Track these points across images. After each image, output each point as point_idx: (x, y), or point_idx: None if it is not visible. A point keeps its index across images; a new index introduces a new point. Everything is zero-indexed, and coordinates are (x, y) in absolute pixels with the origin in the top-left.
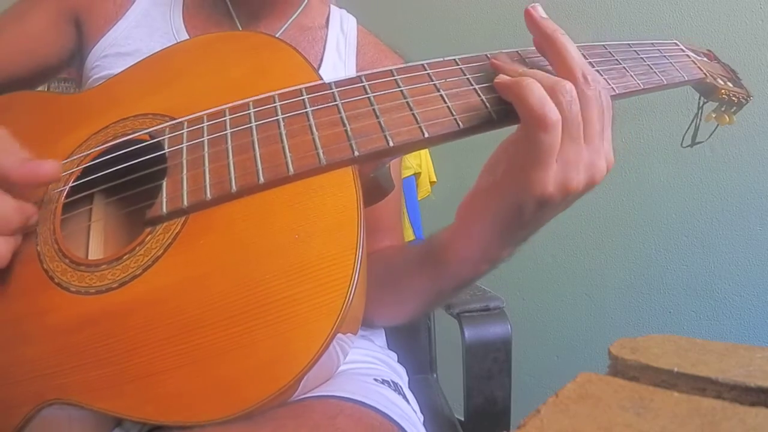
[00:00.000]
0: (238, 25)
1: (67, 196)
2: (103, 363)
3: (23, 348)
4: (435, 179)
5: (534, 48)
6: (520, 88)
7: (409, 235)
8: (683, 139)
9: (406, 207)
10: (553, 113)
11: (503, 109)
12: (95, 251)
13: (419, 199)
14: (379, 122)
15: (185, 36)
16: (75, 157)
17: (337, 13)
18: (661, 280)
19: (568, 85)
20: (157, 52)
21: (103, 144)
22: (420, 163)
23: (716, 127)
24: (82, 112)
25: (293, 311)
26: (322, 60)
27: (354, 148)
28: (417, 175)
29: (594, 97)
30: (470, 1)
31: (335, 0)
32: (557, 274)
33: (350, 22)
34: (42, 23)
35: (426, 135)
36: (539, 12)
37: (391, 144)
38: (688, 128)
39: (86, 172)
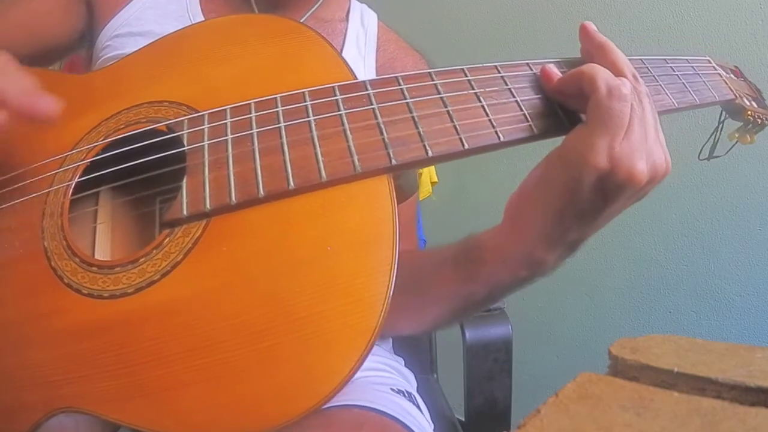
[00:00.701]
0: (257, 11)
1: (75, 191)
2: (117, 373)
3: (30, 351)
4: (436, 179)
5: (575, 57)
6: (591, 68)
7: None
8: (701, 152)
9: None
10: (611, 79)
11: (543, 123)
12: (102, 249)
13: (420, 199)
14: (419, 132)
15: (201, 20)
16: (83, 147)
17: (357, 7)
18: (661, 280)
19: (625, 79)
20: (173, 32)
21: (113, 133)
22: None
23: (735, 143)
24: (90, 95)
25: (323, 329)
26: (341, 53)
27: (391, 156)
28: (418, 175)
29: (646, 94)
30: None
31: None
32: (557, 274)
33: (371, 18)
34: (50, 2)
35: (466, 146)
36: (592, 26)
37: (430, 154)
38: (707, 142)
39: (95, 164)
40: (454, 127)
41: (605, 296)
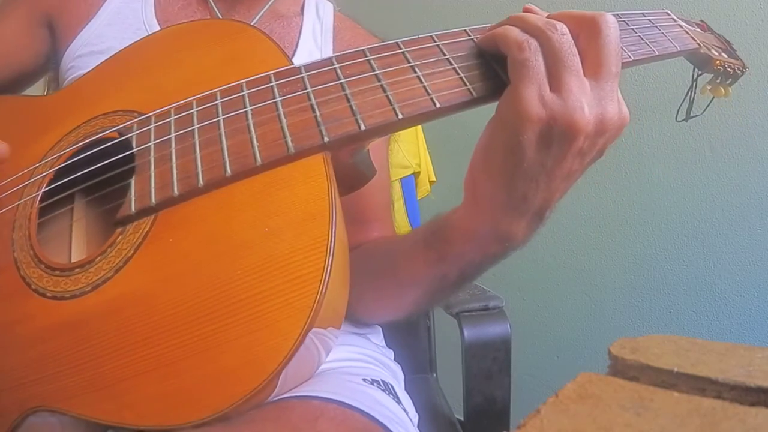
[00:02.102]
0: (216, 11)
1: (43, 200)
2: (80, 369)
3: (5, 357)
4: (434, 178)
5: None
6: (502, 29)
7: None
8: (678, 113)
9: (405, 206)
10: (520, 34)
11: (482, 86)
12: (78, 254)
13: (419, 198)
14: (350, 106)
15: (158, 30)
16: (47, 160)
17: (312, 0)
18: (661, 280)
19: (560, 24)
20: (127, 46)
21: (73, 145)
22: (419, 162)
23: (712, 100)
24: (53, 113)
25: (263, 309)
26: (297, 47)
27: (324, 133)
28: (416, 174)
29: (606, 34)
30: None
31: None
32: (557, 274)
33: (326, 8)
34: (15, 28)
35: (400, 116)
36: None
37: (362, 127)
38: (683, 101)
39: (60, 174)
40: (387, 98)
41: (605, 296)
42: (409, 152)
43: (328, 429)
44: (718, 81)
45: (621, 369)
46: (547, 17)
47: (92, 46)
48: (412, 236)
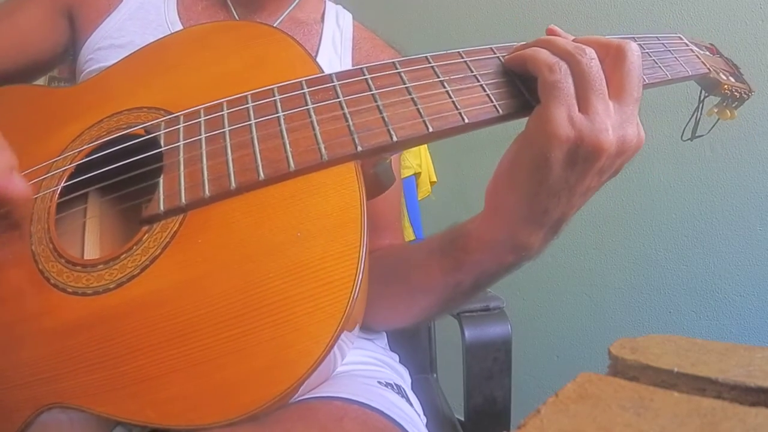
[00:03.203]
0: (235, 15)
1: (62, 194)
2: (102, 366)
3: (20, 351)
4: (435, 179)
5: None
6: (532, 50)
7: (409, 234)
8: (683, 133)
9: (406, 207)
10: (551, 57)
11: (508, 103)
12: (91, 250)
13: (419, 199)
14: (383, 117)
15: (180, 28)
16: (68, 154)
17: (332, 8)
18: (661, 280)
19: (589, 49)
20: (151, 43)
21: (96, 140)
22: (420, 163)
23: (717, 121)
24: (74, 106)
25: (295, 312)
26: (317, 54)
27: (357, 143)
28: (417, 175)
29: (630, 61)
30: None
31: None
32: (557, 274)
33: (346, 18)
34: (35, 17)
35: (430, 129)
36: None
37: (394, 139)
38: (689, 122)
39: (80, 169)
40: (418, 111)
41: (605, 296)
42: (410, 153)
43: (353, 428)
44: (725, 104)
45: (621, 369)
46: (574, 41)
47: (112, 39)
48: (428, 244)
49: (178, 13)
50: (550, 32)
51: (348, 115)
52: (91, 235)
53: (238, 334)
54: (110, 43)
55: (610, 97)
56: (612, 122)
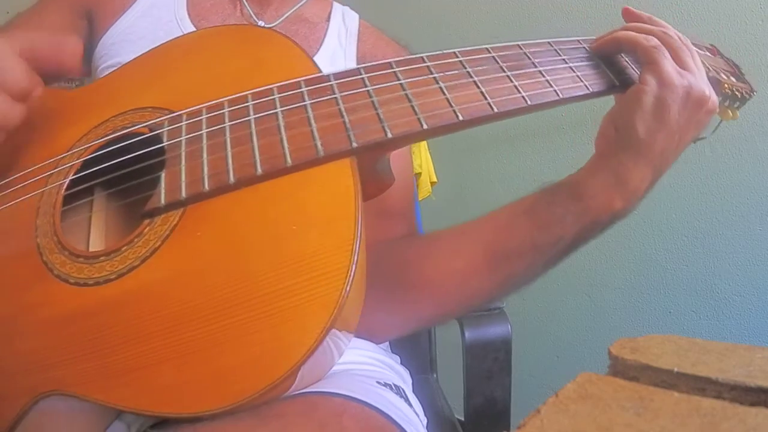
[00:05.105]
0: (249, 9)
1: (68, 188)
2: (98, 354)
3: (22, 340)
4: (435, 179)
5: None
6: (625, 33)
7: None
8: None
9: None
10: (639, 33)
11: (501, 101)
12: (96, 244)
13: (419, 199)
14: (378, 114)
15: (189, 24)
16: (75, 150)
17: (339, 9)
18: (661, 280)
19: (668, 27)
20: (158, 45)
21: (102, 137)
22: (420, 163)
23: (719, 122)
24: (82, 106)
25: (287, 303)
26: (321, 45)
27: (352, 139)
28: (417, 175)
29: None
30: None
31: None
32: (557, 274)
33: (353, 17)
34: (58, 20)
35: (424, 126)
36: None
37: (389, 135)
38: None
39: (86, 165)
40: (412, 108)
41: (605, 296)
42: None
43: (352, 425)
44: (726, 104)
45: (621, 369)
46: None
47: (125, 35)
48: (511, 209)
49: (187, 9)
50: (626, 11)
51: (344, 112)
52: (96, 229)
53: (233, 324)
54: (123, 38)
55: None
56: (707, 81)
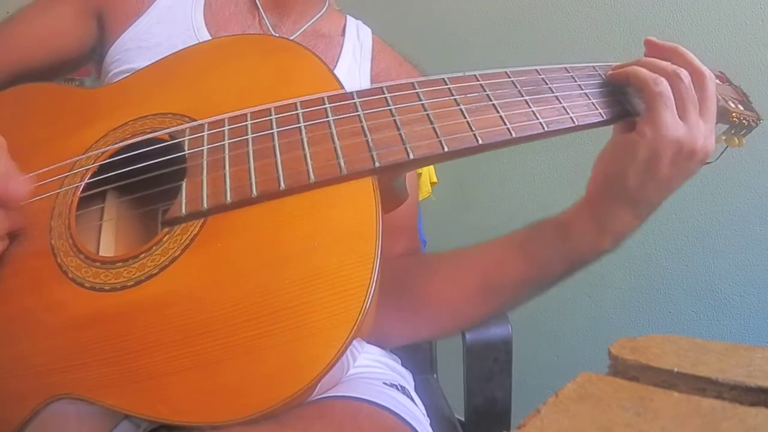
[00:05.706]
0: (267, 21)
1: (84, 191)
2: (115, 361)
3: (33, 341)
4: (435, 180)
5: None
6: (634, 69)
7: None
8: None
9: None
10: (652, 73)
11: (520, 126)
12: (106, 248)
13: (420, 200)
14: (400, 134)
15: (205, 33)
16: (91, 153)
17: (353, 23)
18: (661, 280)
19: (683, 71)
20: (178, 51)
21: (120, 141)
22: None
23: (725, 149)
24: (99, 107)
25: (309, 318)
26: (337, 63)
27: (375, 159)
28: (417, 175)
29: (711, 87)
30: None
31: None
32: None
33: (366, 32)
34: (66, 16)
35: (446, 149)
36: (653, 39)
37: (411, 156)
38: None
39: (103, 169)
40: (434, 130)
41: (605, 296)
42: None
43: (368, 425)
44: (733, 132)
45: (621, 369)
46: (669, 51)
47: (140, 41)
48: (498, 245)
49: (204, 18)
50: (648, 42)
51: (367, 131)
52: (106, 237)
53: (253, 337)
54: (138, 44)
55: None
56: (703, 132)
